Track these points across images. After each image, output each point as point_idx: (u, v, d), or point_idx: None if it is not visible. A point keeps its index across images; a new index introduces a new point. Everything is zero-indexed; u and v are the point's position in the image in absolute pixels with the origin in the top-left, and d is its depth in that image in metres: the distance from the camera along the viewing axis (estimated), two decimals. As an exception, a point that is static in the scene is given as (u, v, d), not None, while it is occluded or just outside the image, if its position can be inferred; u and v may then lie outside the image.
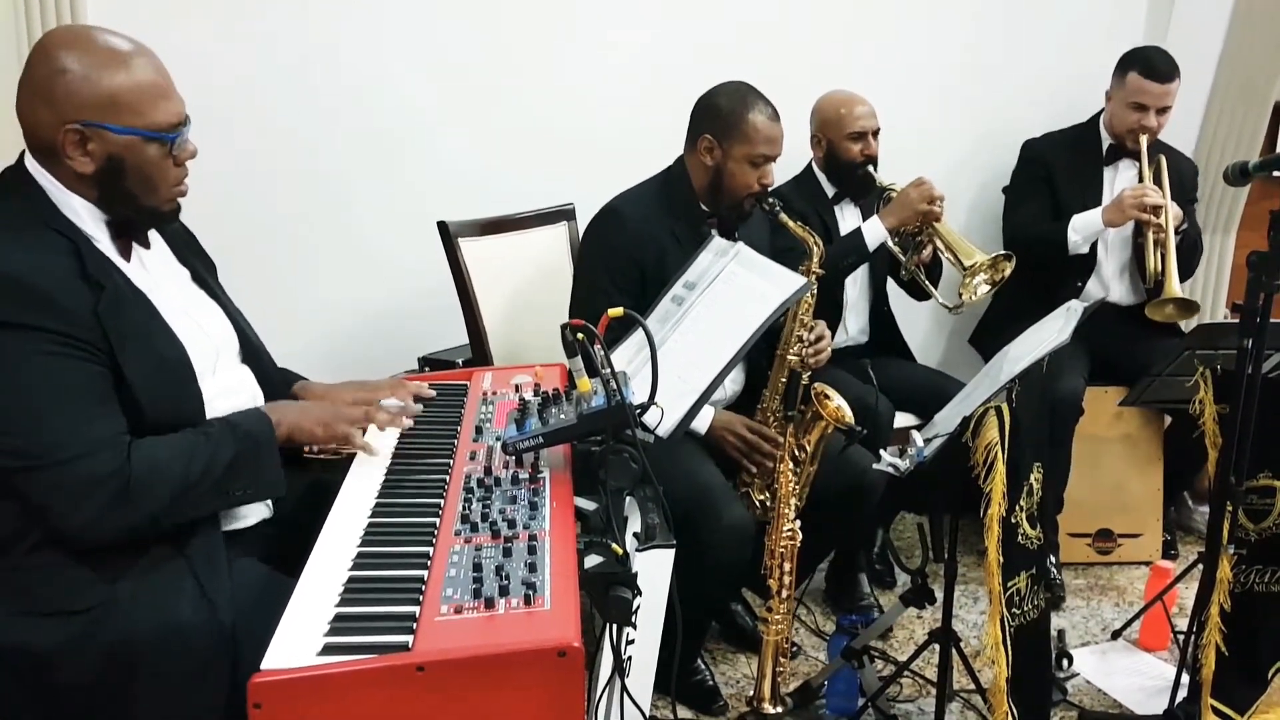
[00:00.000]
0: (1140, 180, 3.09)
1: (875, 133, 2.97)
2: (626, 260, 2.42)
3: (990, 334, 3.30)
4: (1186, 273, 3.27)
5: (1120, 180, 3.23)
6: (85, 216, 1.57)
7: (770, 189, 2.50)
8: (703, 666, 2.53)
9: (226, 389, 1.70)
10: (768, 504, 2.43)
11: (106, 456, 1.45)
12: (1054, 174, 3.24)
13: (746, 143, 2.42)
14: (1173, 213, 3.01)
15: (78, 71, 1.50)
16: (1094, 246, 3.21)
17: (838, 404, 2.23)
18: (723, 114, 2.45)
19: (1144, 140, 3.12)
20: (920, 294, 3.04)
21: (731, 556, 2.26)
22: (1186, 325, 3.15)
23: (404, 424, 1.78)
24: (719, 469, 2.39)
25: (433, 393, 1.99)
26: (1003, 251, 2.86)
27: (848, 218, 3.04)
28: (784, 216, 2.50)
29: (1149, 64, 3.10)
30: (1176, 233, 3.01)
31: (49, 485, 1.43)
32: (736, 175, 2.44)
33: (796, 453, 2.33)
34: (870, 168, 2.97)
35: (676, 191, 2.51)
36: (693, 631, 2.41)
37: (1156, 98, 3.09)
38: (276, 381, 1.86)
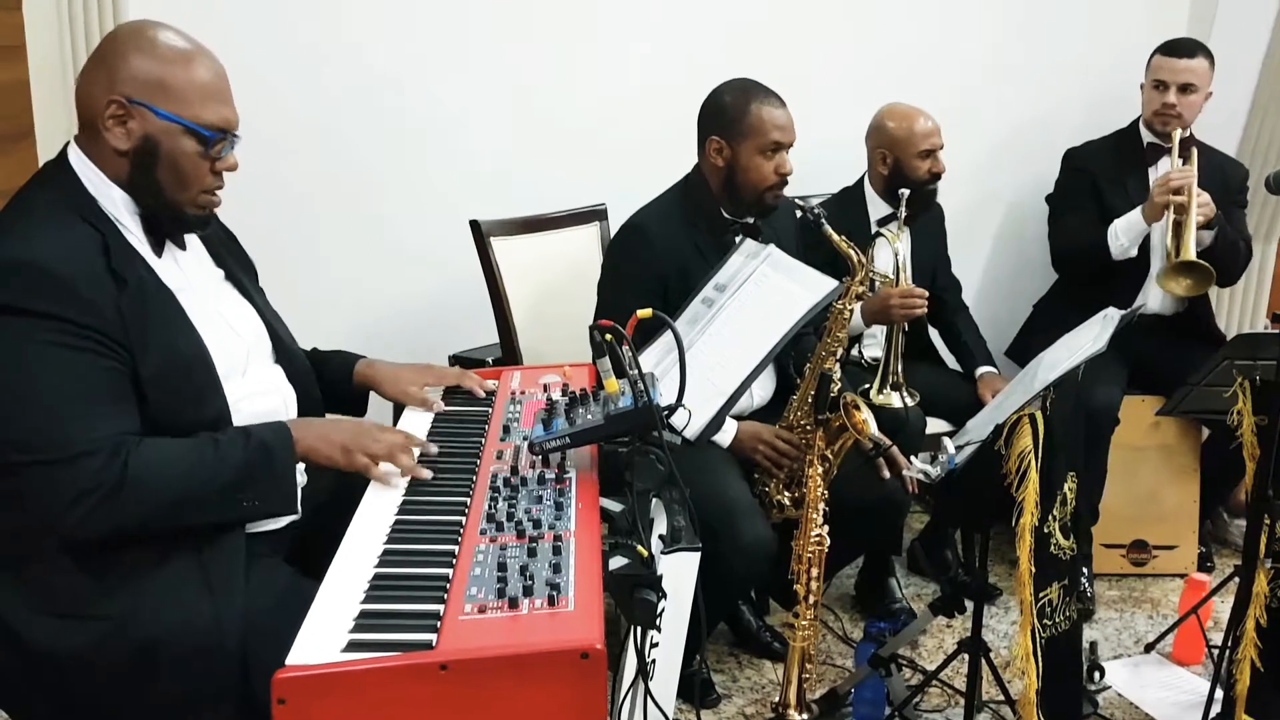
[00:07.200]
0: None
1: (941, 149, 2.93)
2: (650, 276, 2.40)
3: (1027, 346, 3.25)
4: (1229, 277, 3.21)
5: None
6: (122, 207, 1.58)
7: (789, 178, 2.43)
8: (696, 658, 2.48)
9: (257, 390, 1.70)
10: (785, 504, 2.42)
11: (106, 457, 1.43)
12: (1098, 180, 3.20)
13: (755, 135, 2.37)
14: (1198, 193, 2.94)
15: (140, 54, 1.54)
16: (1147, 255, 3.15)
17: (865, 417, 2.19)
18: (726, 112, 2.40)
19: (1177, 135, 3.07)
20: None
21: (746, 573, 2.24)
22: (1197, 292, 3.04)
23: (423, 475, 1.63)
24: (745, 480, 2.36)
25: (493, 385, 2.00)
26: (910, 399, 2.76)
27: (882, 246, 2.93)
28: (828, 229, 2.42)
29: (1169, 43, 3.15)
30: (1210, 224, 2.97)
31: (45, 481, 1.43)
32: (750, 170, 2.40)
33: (825, 458, 2.30)
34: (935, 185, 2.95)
35: (697, 201, 2.48)
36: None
37: (1175, 73, 3.08)
38: (310, 383, 1.85)
